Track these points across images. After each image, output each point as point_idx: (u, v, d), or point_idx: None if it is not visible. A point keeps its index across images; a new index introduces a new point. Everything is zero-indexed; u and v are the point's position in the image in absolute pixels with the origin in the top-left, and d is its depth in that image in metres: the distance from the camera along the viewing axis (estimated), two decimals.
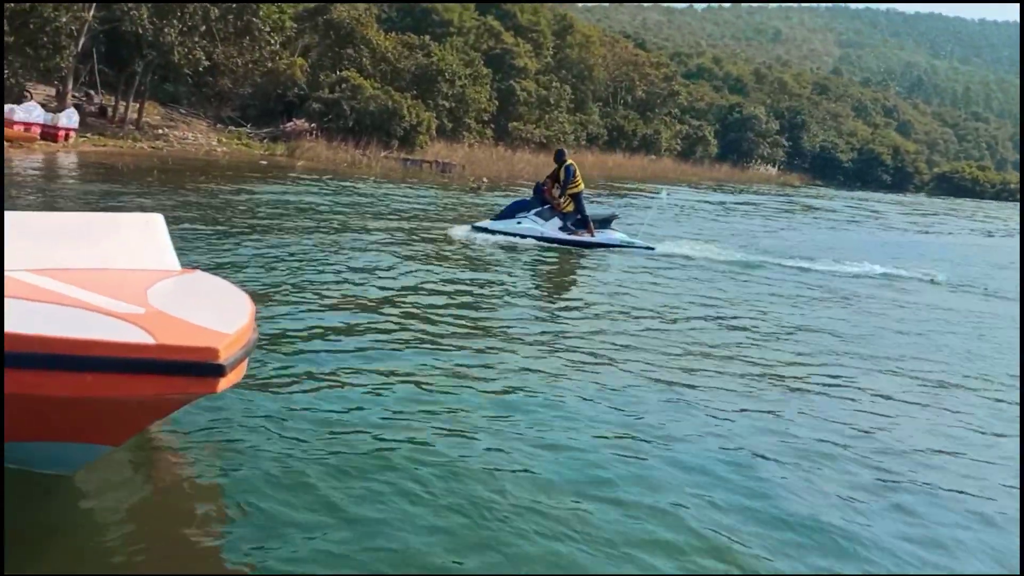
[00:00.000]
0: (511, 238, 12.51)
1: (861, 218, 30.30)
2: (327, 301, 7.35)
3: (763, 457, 4.56)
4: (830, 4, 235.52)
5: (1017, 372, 7.17)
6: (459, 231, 12.86)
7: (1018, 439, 5.36)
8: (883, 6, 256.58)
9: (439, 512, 3.54)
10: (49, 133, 21.16)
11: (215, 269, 7.47)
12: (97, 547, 3.13)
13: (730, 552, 3.48)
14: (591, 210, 13.60)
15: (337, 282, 8.25)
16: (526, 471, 4.04)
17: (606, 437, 4.62)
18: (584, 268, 11.40)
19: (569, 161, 13.06)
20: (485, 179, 27.16)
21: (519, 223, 12.81)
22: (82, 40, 23.06)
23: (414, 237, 12.20)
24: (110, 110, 26.94)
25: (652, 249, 12.91)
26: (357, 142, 29.65)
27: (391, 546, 3.25)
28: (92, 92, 27.83)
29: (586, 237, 12.90)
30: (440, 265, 10.00)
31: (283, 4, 29.72)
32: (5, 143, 18.65)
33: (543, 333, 7.03)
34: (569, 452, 4.33)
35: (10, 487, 3.13)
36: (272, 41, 27.78)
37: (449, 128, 36.33)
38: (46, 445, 3.20)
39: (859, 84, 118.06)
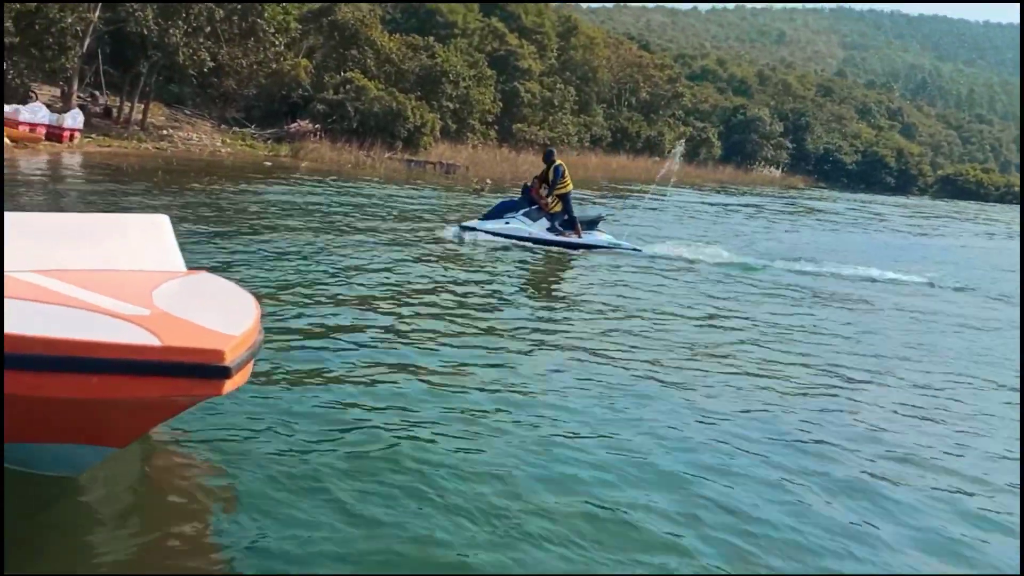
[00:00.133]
0: (499, 238, 12.47)
1: (864, 220, 30.25)
2: (331, 301, 7.37)
3: (763, 457, 4.58)
4: (834, 6, 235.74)
5: (1017, 372, 7.17)
6: (448, 230, 12.86)
7: (1018, 439, 5.36)
8: (887, 8, 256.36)
9: (447, 512, 3.55)
10: (54, 134, 21.18)
11: (220, 269, 7.50)
12: (97, 547, 3.14)
13: (730, 552, 3.50)
14: (578, 211, 13.60)
15: (341, 282, 8.27)
16: (532, 471, 4.06)
17: (610, 437, 4.64)
18: (572, 269, 11.42)
19: (558, 161, 13.07)
20: (489, 180, 27.14)
21: (507, 223, 12.79)
22: (87, 41, 23.11)
23: (414, 237, 12.23)
24: (115, 111, 26.97)
25: (639, 251, 12.92)
26: (361, 143, 29.67)
27: (397, 547, 3.25)
28: (97, 93, 27.87)
29: (573, 238, 12.90)
30: (432, 264, 10.01)
31: (288, 5, 29.73)
32: (11, 143, 18.72)
33: (544, 333, 7.06)
34: (574, 452, 4.35)
35: (10, 487, 3.13)
36: (276, 42, 27.79)
37: (453, 129, 36.34)
38: (52, 447, 3.20)
39: (863, 86, 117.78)
